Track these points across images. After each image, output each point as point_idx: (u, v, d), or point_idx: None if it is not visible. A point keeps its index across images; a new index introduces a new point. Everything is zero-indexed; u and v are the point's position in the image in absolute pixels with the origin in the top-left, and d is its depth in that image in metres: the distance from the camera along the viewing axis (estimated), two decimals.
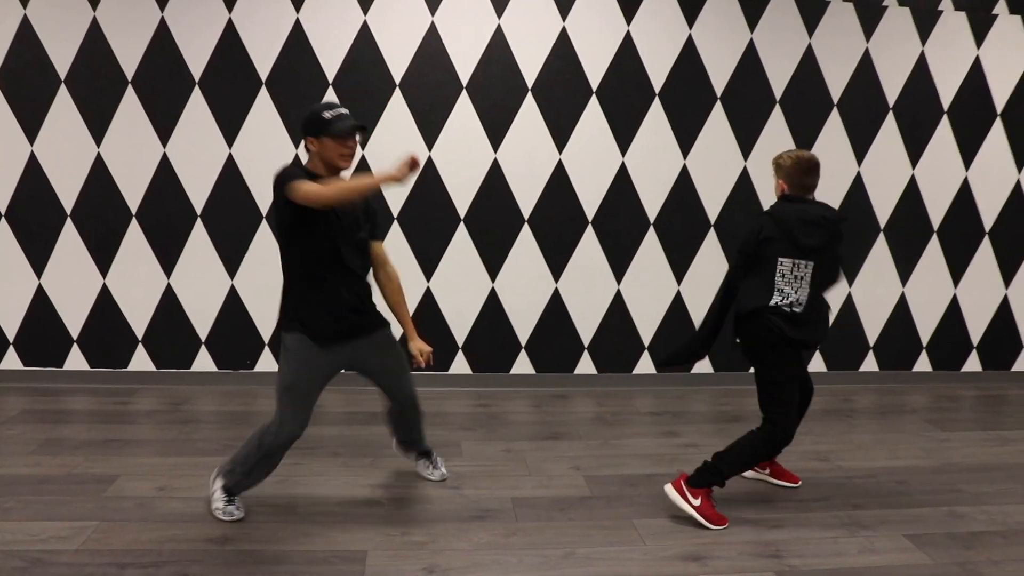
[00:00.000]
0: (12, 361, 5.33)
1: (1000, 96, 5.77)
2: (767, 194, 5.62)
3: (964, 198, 5.84)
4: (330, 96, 5.18)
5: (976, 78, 5.72)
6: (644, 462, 4.26)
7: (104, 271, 5.25)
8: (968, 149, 5.79)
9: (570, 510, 3.62)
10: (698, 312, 5.70)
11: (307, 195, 2.87)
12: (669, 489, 3.56)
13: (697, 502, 3.48)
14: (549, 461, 4.22)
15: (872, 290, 5.88)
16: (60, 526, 3.28)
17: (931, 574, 3.09)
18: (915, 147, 5.73)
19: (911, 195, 5.78)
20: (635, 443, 4.56)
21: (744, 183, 5.61)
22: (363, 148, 5.22)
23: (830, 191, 5.65)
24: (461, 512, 3.56)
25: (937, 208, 5.83)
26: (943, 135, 5.75)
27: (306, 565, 3.04)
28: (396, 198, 5.29)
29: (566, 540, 3.32)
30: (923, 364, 6.06)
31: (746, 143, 5.57)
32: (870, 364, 5.99)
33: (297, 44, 5.12)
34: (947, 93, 5.71)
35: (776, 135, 5.57)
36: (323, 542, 3.23)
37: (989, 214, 5.90)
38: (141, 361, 5.38)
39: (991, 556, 3.26)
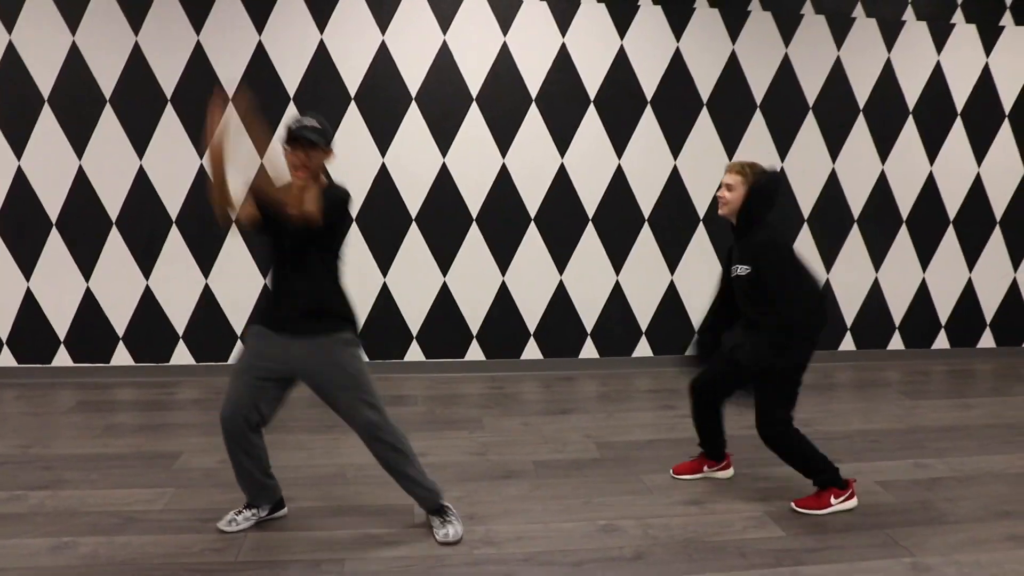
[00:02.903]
0: (64, 359, 5.79)
1: (960, 97, 6.33)
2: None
3: (930, 190, 6.39)
4: (351, 109, 5.68)
5: (937, 82, 6.28)
6: (647, 431, 4.78)
7: (147, 273, 5.72)
8: (932, 146, 6.34)
9: (585, 469, 4.13)
10: (690, 300, 6.23)
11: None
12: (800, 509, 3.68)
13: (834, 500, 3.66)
14: (563, 431, 4.74)
15: (848, 276, 6.41)
16: (142, 492, 3.77)
17: (895, 510, 3.63)
18: (884, 145, 6.27)
19: (881, 189, 6.32)
20: (637, 415, 5.08)
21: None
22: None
23: (807, 188, 6.22)
24: (490, 473, 4.07)
25: (905, 200, 6.37)
26: (909, 134, 6.30)
27: (362, 516, 3.54)
28: (414, 201, 5.82)
29: (583, 492, 3.84)
30: (896, 343, 6.60)
31: (730, 144, 6.10)
32: (848, 344, 6.53)
33: (321, 61, 5.63)
34: (912, 95, 6.26)
35: (757, 137, 6.12)
36: (372, 498, 3.74)
37: (953, 204, 6.45)
38: (182, 355, 5.85)
39: (947, 495, 3.80)
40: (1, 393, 5.43)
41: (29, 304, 5.68)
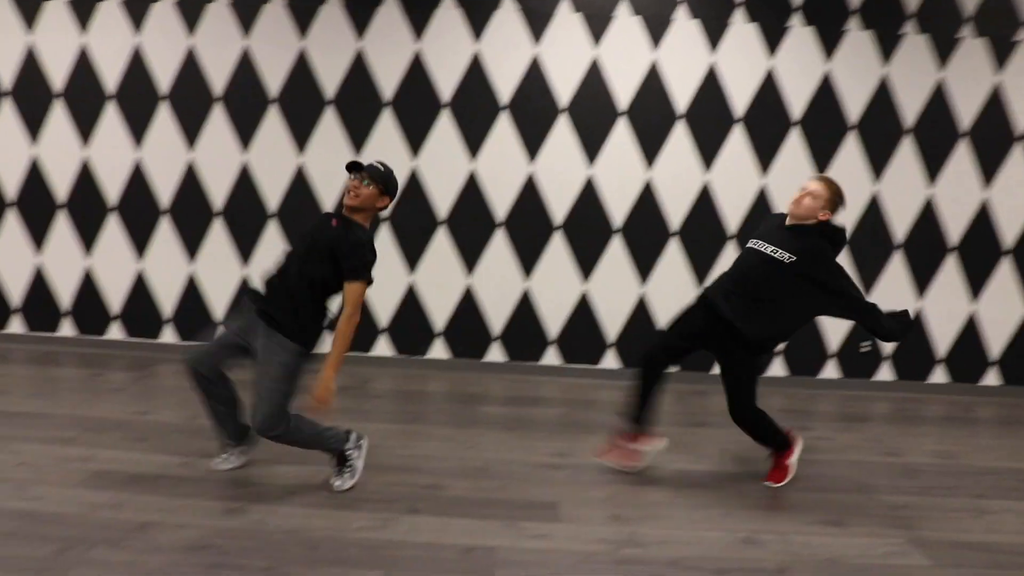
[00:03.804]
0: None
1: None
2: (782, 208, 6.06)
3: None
4: (502, 120, 5.87)
5: (995, 103, 6.01)
6: None
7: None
8: (933, 168, 6.09)
9: (723, 481, 4.18)
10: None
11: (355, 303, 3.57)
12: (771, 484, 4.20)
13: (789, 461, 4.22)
14: (699, 443, 4.79)
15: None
16: (303, 467, 4.01)
17: None
18: (931, 167, 6.06)
19: (933, 214, 6.14)
20: None
21: (762, 200, 6.04)
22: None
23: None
24: (632, 478, 4.15)
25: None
26: (960, 156, 6.07)
27: (509, 509, 3.69)
28: (559, 210, 5.98)
29: (723, 503, 3.89)
30: None
31: (765, 161, 6.02)
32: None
33: (474, 72, 5.84)
34: (967, 117, 6.03)
35: (793, 155, 6.01)
36: (518, 493, 3.88)
37: None
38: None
39: None
40: (164, 367, 5.83)
41: (190, 288, 6.08)
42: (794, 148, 5.95)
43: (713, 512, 3.77)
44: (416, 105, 5.88)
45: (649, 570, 3.17)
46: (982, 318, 6.23)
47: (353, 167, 3.65)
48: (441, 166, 5.93)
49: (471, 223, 6.01)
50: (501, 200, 5.98)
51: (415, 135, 5.90)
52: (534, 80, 5.84)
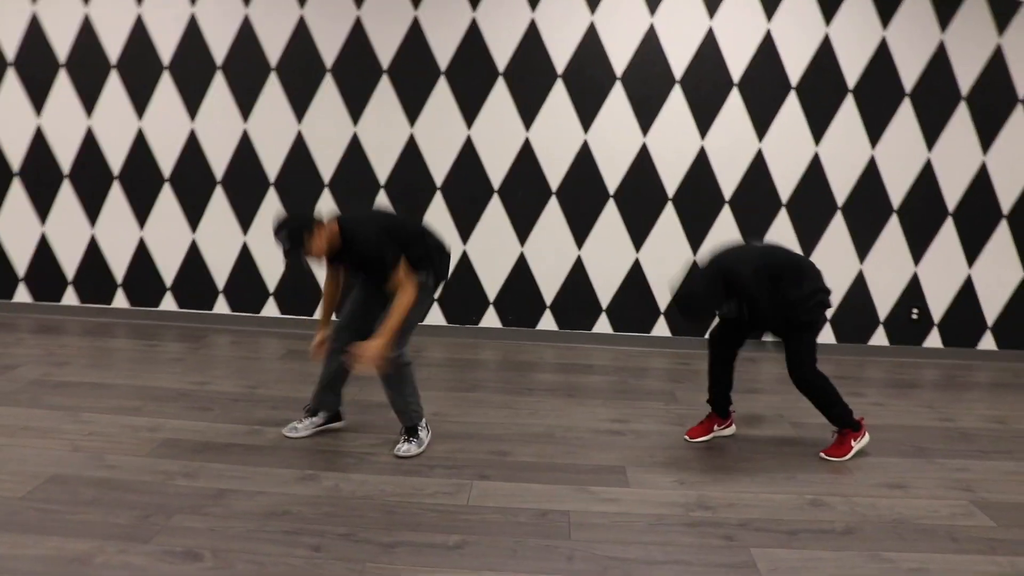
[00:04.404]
0: (272, 310, 6.30)
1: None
2: (840, 180, 6.08)
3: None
4: (557, 88, 5.91)
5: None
6: None
7: None
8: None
9: (784, 446, 4.25)
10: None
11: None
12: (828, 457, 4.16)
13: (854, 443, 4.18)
14: (755, 409, 4.86)
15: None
16: (368, 436, 4.14)
17: None
18: (986, 134, 6.08)
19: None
20: None
21: (815, 167, 6.05)
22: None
23: (899, 177, 6.10)
24: (691, 444, 4.25)
25: None
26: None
27: (577, 474, 3.79)
28: (613, 179, 6.02)
29: (786, 467, 3.97)
30: None
31: (818, 129, 6.03)
32: None
33: (531, 40, 5.87)
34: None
35: (849, 122, 6.01)
36: (584, 458, 3.98)
37: None
38: None
39: None
40: (217, 338, 5.97)
41: (244, 257, 6.19)
42: (849, 115, 5.95)
43: (776, 476, 3.85)
44: (471, 74, 5.93)
45: (721, 531, 3.26)
46: None
47: (285, 253, 3.52)
48: (495, 135, 5.99)
49: (525, 192, 6.08)
50: (555, 169, 6.03)
51: (470, 105, 5.95)
52: (590, 48, 5.87)
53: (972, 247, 6.14)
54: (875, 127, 5.96)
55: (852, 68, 5.89)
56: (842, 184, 6.05)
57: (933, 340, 6.28)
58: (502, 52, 5.89)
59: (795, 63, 5.89)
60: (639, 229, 6.10)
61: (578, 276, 6.17)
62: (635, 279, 6.17)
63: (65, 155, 6.14)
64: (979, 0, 5.82)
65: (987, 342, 6.31)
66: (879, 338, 6.27)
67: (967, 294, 6.22)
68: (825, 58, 5.87)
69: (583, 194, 6.05)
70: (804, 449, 4.23)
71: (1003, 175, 6.05)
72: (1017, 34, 5.86)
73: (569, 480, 3.72)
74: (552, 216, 6.08)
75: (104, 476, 3.51)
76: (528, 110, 5.95)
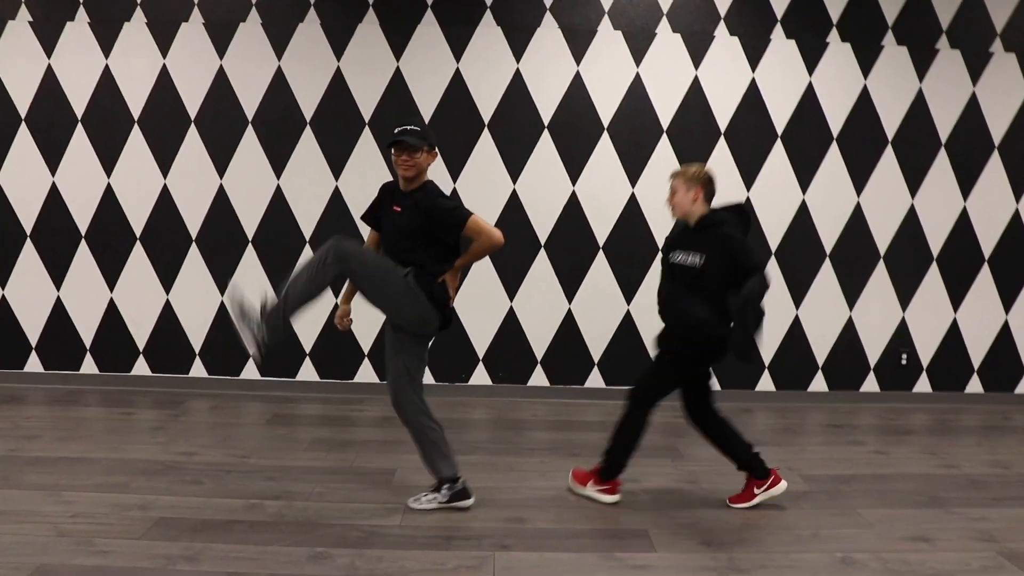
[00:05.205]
0: (251, 372, 6.06)
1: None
2: (826, 226, 6.10)
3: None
4: (543, 138, 5.85)
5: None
6: (845, 464, 4.77)
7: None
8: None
9: (799, 501, 4.13)
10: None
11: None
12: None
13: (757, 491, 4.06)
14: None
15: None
16: (373, 507, 3.89)
17: None
18: (965, 181, 6.18)
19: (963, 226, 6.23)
20: (831, 449, 5.08)
21: (803, 214, 6.06)
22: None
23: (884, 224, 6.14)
24: (706, 501, 4.12)
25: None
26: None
27: (600, 539, 3.62)
28: (602, 229, 5.96)
29: (807, 523, 3.85)
30: None
31: (804, 177, 6.06)
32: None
33: (516, 90, 5.82)
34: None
35: (834, 170, 6.05)
36: (603, 522, 3.82)
37: None
38: (366, 373, 6.06)
39: None
40: (196, 403, 5.71)
41: (222, 317, 5.97)
42: (834, 163, 5.98)
43: (801, 533, 3.73)
44: (456, 126, 5.84)
45: None
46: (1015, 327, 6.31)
47: (394, 143, 3.64)
48: (481, 187, 5.88)
49: (516, 244, 5.95)
50: (543, 221, 5.96)
51: (456, 157, 5.85)
52: (576, 99, 5.83)
53: (957, 291, 6.18)
54: (860, 174, 5.99)
55: (836, 116, 5.93)
56: (829, 231, 6.05)
57: (923, 385, 6.27)
58: (487, 102, 5.82)
59: (780, 112, 5.91)
60: (630, 280, 6.01)
61: (569, 329, 6.05)
62: (627, 331, 6.06)
63: (27, 213, 5.89)
64: (954, 51, 5.93)
65: (974, 385, 6.32)
66: (870, 384, 6.23)
67: (954, 337, 6.23)
68: (809, 106, 5.91)
69: (573, 246, 5.96)
70: (819, 502, 4.13)
71: (982, 220, 6.13)
72: (990, 83, 5.98)
73: (594, 547, 3.54)
74: (541, 268, 5.97)
75: (97, 564, 3.19)
76: (515, 161, 5.87)
